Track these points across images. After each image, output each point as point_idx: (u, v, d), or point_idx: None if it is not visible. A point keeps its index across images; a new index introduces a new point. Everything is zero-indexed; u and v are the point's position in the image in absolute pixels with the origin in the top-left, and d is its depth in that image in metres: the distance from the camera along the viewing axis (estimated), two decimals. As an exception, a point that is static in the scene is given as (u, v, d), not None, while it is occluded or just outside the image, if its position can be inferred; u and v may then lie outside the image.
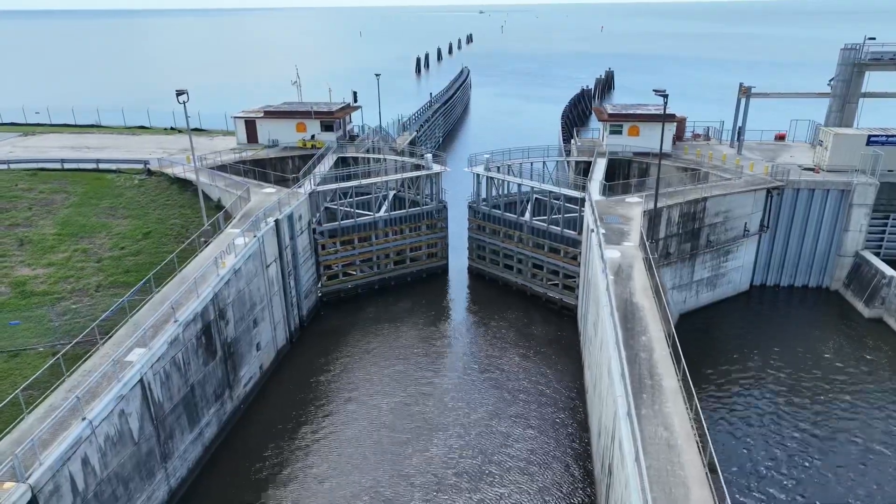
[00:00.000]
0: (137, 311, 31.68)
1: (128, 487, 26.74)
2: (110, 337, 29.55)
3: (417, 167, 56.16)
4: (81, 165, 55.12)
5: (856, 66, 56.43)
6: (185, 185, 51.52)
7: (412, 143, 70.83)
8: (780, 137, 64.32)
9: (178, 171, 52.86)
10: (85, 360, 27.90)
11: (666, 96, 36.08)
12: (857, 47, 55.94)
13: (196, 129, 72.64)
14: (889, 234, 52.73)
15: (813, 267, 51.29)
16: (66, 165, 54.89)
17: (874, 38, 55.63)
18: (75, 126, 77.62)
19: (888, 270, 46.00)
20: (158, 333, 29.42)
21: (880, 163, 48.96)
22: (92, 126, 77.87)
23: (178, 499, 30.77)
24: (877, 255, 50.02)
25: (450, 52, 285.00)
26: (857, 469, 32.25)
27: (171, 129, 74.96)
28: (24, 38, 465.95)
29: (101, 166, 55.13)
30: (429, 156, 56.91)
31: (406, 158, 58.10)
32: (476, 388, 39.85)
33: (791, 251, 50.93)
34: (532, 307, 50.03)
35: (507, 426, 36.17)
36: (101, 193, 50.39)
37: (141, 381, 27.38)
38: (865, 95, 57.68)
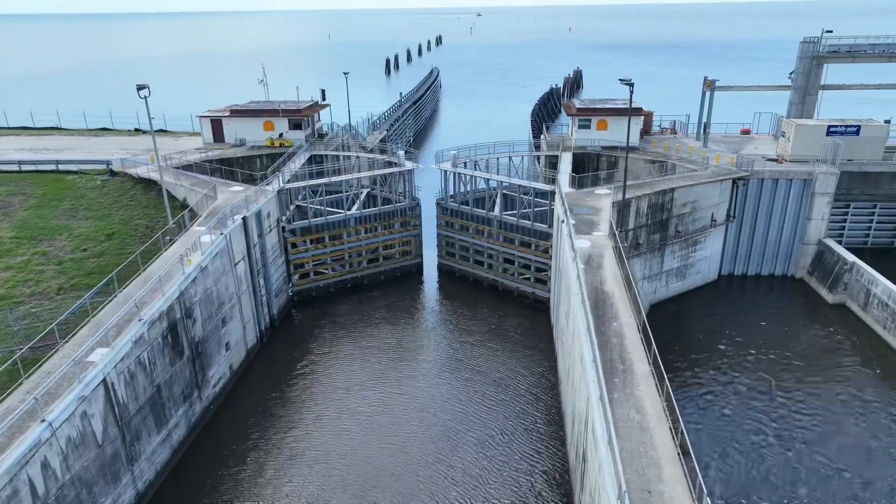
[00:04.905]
0: (99, 311, 30.77)
1: (92, 491, 25.89)
2: (70, 338, 28.63)
3: (390, 164, 55.83)
4: (40, 167, 53.51)
5: (814, 59, 57.88)
6: (149, 185, 50.37)
7: (383, 141, 70.47)
8: (745, 132, 65.62)
9: (141, 171, 51.68)
10: (44, 362, 26.96)
11: (632, 85, 36.41)
12: (816, 41, 57.40)
13: (161, 131, 71.24)
14: (850, 222, 54.24)
15: (778, 255, 52.34)
16: (24, 167, 53.25)
17: (831, 31, 57.11)
18: (34, 129, 75.36)
19: (850, 257, 47.16)
20: (122, 333, 28.60)
21: (840, 152, 50.20)
22: (52, 128, 75.68)
23: (145, 502, 29.92)
24: (839, 242, 51.28)
25: (419, 53, 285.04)
26: (824, 447, 32.90)
27: (136, 130, 73.28)
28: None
29: (62, 167, 53.59)
30: (401, 153, 56.70)
31: (378, 156, 57.73)
32: (450, 384, 39.66)
33: (757, 240, 51.89)
34: (505, 302, 50.07)
35: (483, 420, 36.05)
36: (61, 195, 48.95)
37: (104, 381, 26.55)
38: (824, 88, 59.21)
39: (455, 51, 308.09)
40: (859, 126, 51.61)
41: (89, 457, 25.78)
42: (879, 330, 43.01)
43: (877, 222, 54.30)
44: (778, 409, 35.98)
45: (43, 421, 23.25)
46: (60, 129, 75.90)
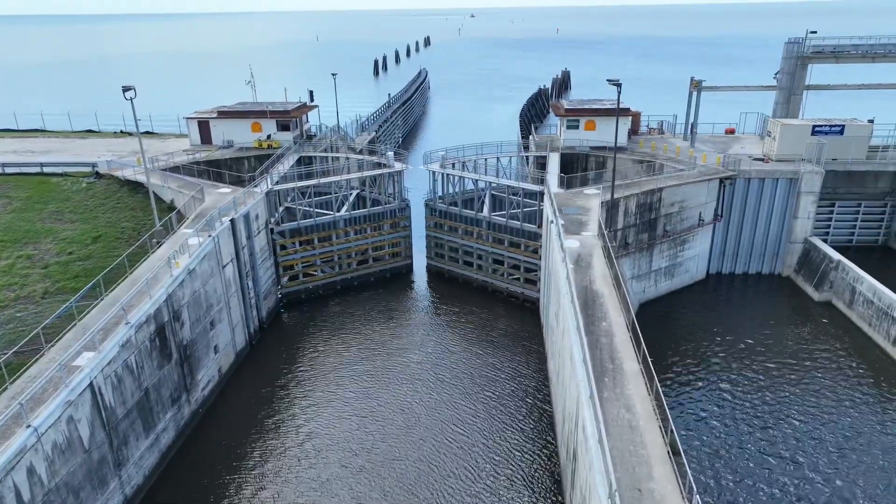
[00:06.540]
0: (85, 314, 30.44)
1: (79, 497, 25.59)
2: (56, 342, 28.30)
3: (379, 166, 55.71)
4: (24, 170, 52.85)
5: (799, 60, 58.50)
6: (136, 187, 49.92)
7: (372, 142, 70.34)
8: (730, 132, 66.17)
9: (128, 173, 51.22)
10: (29, 367, 26.63)
11: (619, 85, 36.58)
12: (800, 41, 58.01)
13: (147, 133, 70.62)
14: (835, 220, 54.84)
15: (765, 254, 52.78)
16: (8, 170, 52.55)
17: (815, 32, 57.76)
18: (17, 131, 74.46)
19: (835, 255, 47.65)
20: (109, 336, 28.31)
21: (825, 151, 50.74)
22: (36, 130, 74.85)
23: (134, 508, 29.67)
24: (824, 240, 51.83)
25: (408, 54, 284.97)
26: (812, 443, 33.20)
27: (121, 132, 72.65)
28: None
29: (46, 170, 52.92)
30: (390, 154, 56.54)
31: (367, 157, 57.59)
32: (441, 385, 39.61)
33: (744, 239, 52.31)
34: (495, 303, 50.10)
35: (472, 420, 36.04)
36: (46, 198, 48.37)
37: (91, 385, 26.26)
38: (809, 88, 59.85)
39: (444, 52, 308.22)
40: (843, 126, 52.19)
41: (76, 462, 25.49)
42: (865, 327, 43.49)
43: (861, 220, 54.97)
44: (766, 406, 36.28)
45: (28, 426, 22.96)
46: (45, 131, 75.10)
